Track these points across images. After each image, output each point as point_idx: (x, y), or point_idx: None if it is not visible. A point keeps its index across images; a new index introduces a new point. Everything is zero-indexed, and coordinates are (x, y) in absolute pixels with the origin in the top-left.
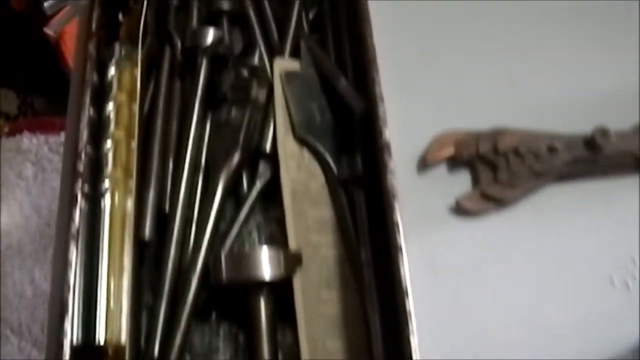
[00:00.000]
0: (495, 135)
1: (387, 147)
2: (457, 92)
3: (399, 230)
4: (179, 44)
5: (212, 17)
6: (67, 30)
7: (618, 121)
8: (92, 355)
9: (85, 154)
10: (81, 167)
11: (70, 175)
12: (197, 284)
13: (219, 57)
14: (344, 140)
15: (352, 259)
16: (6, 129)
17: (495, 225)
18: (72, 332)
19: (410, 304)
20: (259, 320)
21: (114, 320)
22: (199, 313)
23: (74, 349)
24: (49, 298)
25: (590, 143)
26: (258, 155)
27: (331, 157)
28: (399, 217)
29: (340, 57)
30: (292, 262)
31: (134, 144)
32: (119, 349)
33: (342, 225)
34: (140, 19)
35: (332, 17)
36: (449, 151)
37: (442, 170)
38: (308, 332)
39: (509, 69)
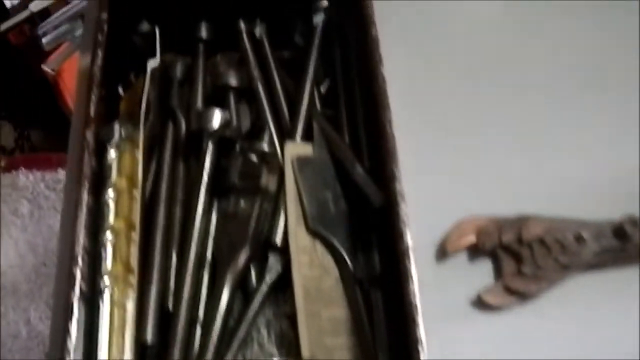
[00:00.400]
0: (519, 223)
1: (409, 252)
2: (479, 175)
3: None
4: (183, 123)
5: (218, 93)
6: (65, 67)
7: None
8: None
9: (82, 257)
10: (78, 272)
11: (66, 279)
12: None
13: (226, 140)
14: (359, 231)
15: None
16: (2, 164)
17: (519, 319)
18: None
19: None
20: None
21: None
22: None
23: None
24: None
25: (619, 232)
26: (267, 248)
27: (346, 250)
28: (422, 332)
29: (355, 138)
30: None
31: (135, 236)
32: None
33: (358, 327)
34: (141, 96)
35: (345, 91)
36: (470, 239)
37: (462, 258)
38: None
39: (533, 151)
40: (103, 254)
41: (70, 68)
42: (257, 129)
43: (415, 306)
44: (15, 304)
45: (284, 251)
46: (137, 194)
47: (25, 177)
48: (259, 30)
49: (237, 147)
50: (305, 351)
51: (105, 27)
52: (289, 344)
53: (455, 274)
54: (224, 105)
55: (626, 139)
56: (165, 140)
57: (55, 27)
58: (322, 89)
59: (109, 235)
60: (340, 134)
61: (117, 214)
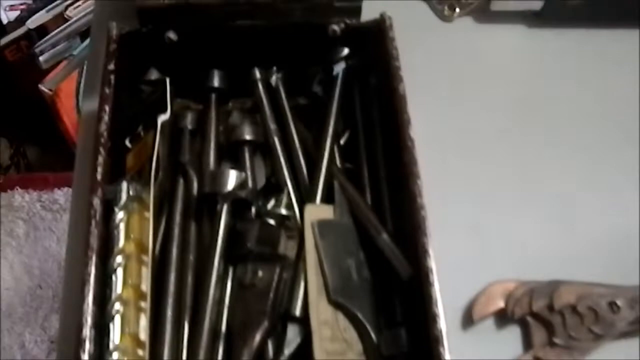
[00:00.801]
0: (550, 289)
1: (443, 338)
2: (509, 237)
3: None
4: (194, 181)
5: (232, 147)
6: (62, 87)
7: None
8: None
9: (90, 337)
10: (85, 355)
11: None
12: None
13: (241, 201)
14: (384, 303)
15: None
16: None
17: None
18: None
19: None
20: None
21: None
22: None
23: None
24: None
25: None
26: (286, 319)
27: (370, 324)
28: None
29: (377, 195)
30: None
31: (145, 305)
32: None
33: None
34: (150, 151)
35: (367, 143)
36: (498, 305)
37: (490, 325)
38: None
39: (565, 212)
40: (111, 326)
41: (67, 87)
42: (274, 187)
43: None
44: (9, 328)
45: (304, 323)
46: (147, 258)
47: (21, 197)
48: (274, 79)
49: (253, 209)
50: None
51: (113, 79)
52: None
53: (482, 342)
54: (238, 160)
55: None
56: (175, 199)
57: (53, 46)
58: (342, 141)
59: (117, 306)
60: (362, 190)
61: (125, 282)
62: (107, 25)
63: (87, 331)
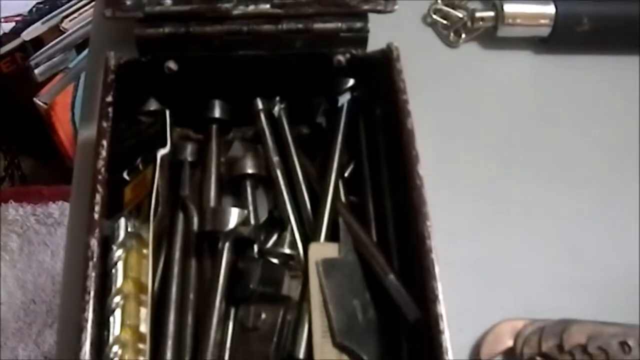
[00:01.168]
0: (560, 328)
1: None
2: (518, 274)
3: None
4: (195, 217)
5: (233, 180)
6: (57, 100)
7: None
8: None
9: None
10: None
11: None
12: None
13: (243, 239)
14: (390, 345)
15: None
16: None
17: None
18: None
19: None
20: None
21: None
22: None
23: None
24: None
25: None
26: None
27: None
28: None
29: (382, 230)
30: None
31: (144, 347)
32: None
33: None
34: (149, 186)
35: (372, 176)
36: (506, 344)
37: None
38: None
39: (576, 249)
40: None
41: (63, 100)
42: (276, 221)
43: None
44: (3, 343)
45: None
46: (145, 298)
47: (15, 211)
48: (277, 110)
49: (256, 247)
50: None
51: (111, 112)
52: None
53: None
54: (239, 194)
55: None
56: (174, 235)
57: (49, 58)
58: (346, 173)
59: (115, 348)
60: (367, 225)
61: (123, 324)
62: (105, 54)
63: None
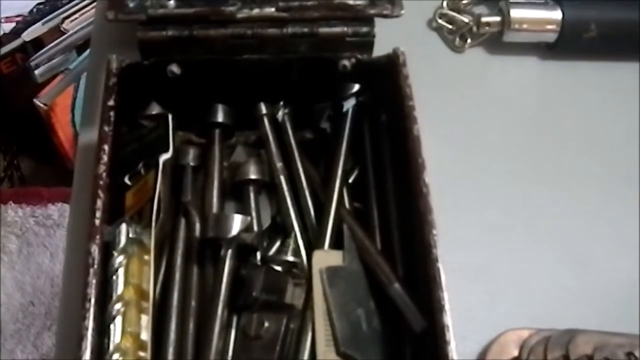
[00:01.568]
0: (566, 338)
1: None
2: (524, 283)
3: None
4: (197, 223)
5: (236, 186)
6: (57, 101)
7: None
8: None
9: None
10: None
11: None
12: None
13: (246, 246)
14: (394, 354)
15: None
16: None
17: None
18: None
19: None
20: None
21: None
22: None
23: None
24: None
25: None
26: None
27: None
28: None
29: (387, 237)
30: None
31: (145, 355)
32: None
33: None
34: (152, 192)
35: (377, 182)
36: (512, 354)
37: None
38: None
39: (578, 253)
40: None
41: (63, 102)
42: (279, 227)
43: None
44: (1, 345)
45: None
46: (147, 305)
47: (14, 212)
48: (281, 114)
49: (259, 254)
50: None
51: (112, 116)
52: None
53: None
54: (242, 199)
55: None
56: (176, 241)
57: (49, 59)
58: (351, 179)
59: (116, 356)
60: (371, 232)
61: (124, 331)
62: (107, 57)
63: None
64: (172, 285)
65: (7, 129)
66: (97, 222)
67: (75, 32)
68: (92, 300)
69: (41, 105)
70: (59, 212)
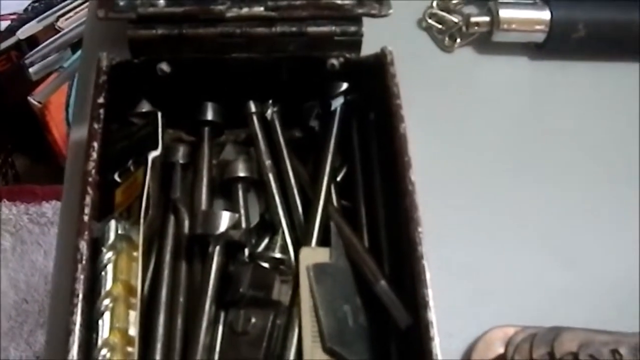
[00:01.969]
0: (552, 335)
1: None
2: (510, 280)
3: None
4: (186, 219)
5: (225, 183)
6: (52, 99)
7: None
8: None
9: None
10: None
11: None
12: None
13: (234, 242)
14: (380, 350)
15: None
16: None
17: None
18: None
19: None
20: None
21: None
22: None
23: None
24: None
25: None
26: None
27: None
28: None
29: (374, 235)
30: None
31: (132, 350)
32: None
33: None
34: (140, 189)
35: (364, 180)
36: (497, 351)
37: None
38: None
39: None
40: None
41: (57, 100)
42: (267, 224)
43: None
44: None
45: None
46: (135, 300)
47: (7, 210)
48: (270, 113)
49: (246, 251)
50: None
51: (102, 113)
52: None
53: None
54: (230, 196)
55: None
56: (165, 238)
57: (44, 57)
58: (339, 177)
59: (104, 351)
60: (359, 230)
61: (112, 327)
62: (98, 55)
63: None
64: (160, 281)
65: (2, 127)
66: (86, 218)
67: (70, 30)
68: (80, 296)
69: (35, 103)
70: (52, 210)
